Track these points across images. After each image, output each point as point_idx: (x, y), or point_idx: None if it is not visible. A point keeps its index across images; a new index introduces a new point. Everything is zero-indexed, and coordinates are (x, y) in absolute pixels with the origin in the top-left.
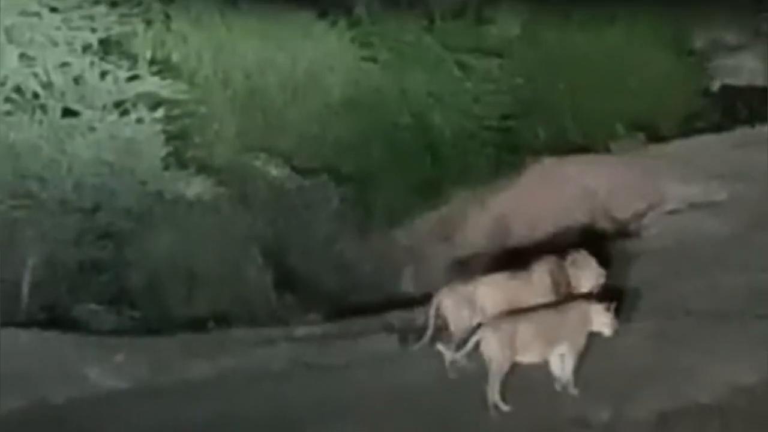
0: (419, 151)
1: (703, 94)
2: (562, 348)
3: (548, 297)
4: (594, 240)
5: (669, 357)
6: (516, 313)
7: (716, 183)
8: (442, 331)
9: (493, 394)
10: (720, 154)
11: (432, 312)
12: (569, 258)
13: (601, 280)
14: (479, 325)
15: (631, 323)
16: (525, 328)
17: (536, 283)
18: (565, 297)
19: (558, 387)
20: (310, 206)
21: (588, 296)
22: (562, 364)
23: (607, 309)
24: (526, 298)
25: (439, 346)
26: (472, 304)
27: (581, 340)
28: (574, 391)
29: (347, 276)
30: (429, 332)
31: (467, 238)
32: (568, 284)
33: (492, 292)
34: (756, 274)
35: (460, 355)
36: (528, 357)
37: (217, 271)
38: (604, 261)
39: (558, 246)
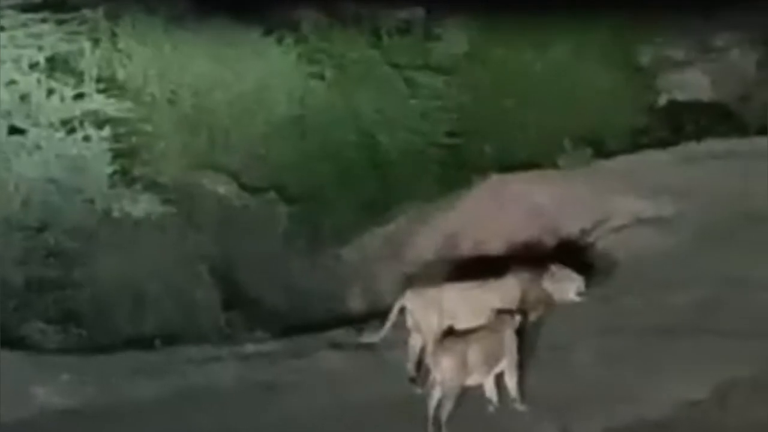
0: (366, 169)
1: (649, 109)
2: (501, 367)
3: (516, 308)
4: (541, 256)
5: (616, 373)
6: (461, 335)
7: (663, 198)
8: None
9: (444, 417)
10: (667, 170)
11: (395, 310)
12: (548, 271)
13: (582, 287)
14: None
15: (579, 339)
16: (473, 350)
17: (505, 293)
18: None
19: (491, 409)
20: (257, 224)
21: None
22: (498, 384)
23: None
24: (491, 308)
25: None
26: (439, 307)
27: (515, 358)
28: (522, 407)
29: (295, 294)
30: (388, 325)
31: (415, 255)
32: (545, 297)
33: (458, 298)
34: (703, 289)
35: (380, 336)
36: (473, 379)
37: (164, 290)
38: (551, 276)
39: (506, 262)
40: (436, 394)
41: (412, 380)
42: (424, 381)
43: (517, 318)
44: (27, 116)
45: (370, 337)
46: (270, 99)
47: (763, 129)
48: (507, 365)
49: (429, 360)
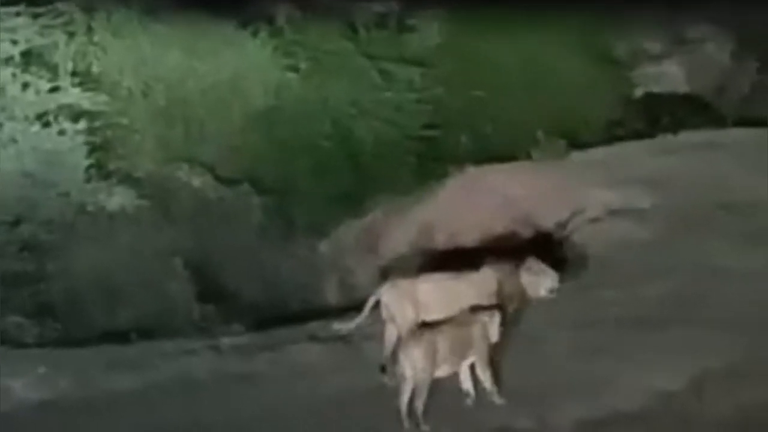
0: (342, 161)
1: (625, 101)
2: (470, 361)
3: (492, 301)
4: (516, 248)
5: (592, 365)
6: (430, 326)
7: (638, 190)
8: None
9: (419, 409)
10: (642, 161)
11: (370, 302)
12: (524, 265)
13: (556, 285)
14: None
15: (554, 331)
16: (442, 341)
17: (481, 286)
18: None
19: (469, 402)
20: (232, 217)
21: (484, 308)
22: (472, 377)
23: (492, 316)
24: (467, 300)
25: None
26: (414, 299)
27: (486, 351)
28: (499, 400)
29: (270, 286)
30: (362, 315)
31: (390, 247)
32: (521, 290)
33: (433, 290)
34: (678, 280)
35: (355, 324)
36: (442, 370)
37: (139, 283)
38: (527, 270)
39: (482, 255)
40: (408, 385)
41: (383, 370)
42: (394, 372)
43: (492, 313)
44: (2, 110)
45: (344, 326)
46: (245, 91)
47: (738, 120)
48: (477, 358)
49: (399, 350)
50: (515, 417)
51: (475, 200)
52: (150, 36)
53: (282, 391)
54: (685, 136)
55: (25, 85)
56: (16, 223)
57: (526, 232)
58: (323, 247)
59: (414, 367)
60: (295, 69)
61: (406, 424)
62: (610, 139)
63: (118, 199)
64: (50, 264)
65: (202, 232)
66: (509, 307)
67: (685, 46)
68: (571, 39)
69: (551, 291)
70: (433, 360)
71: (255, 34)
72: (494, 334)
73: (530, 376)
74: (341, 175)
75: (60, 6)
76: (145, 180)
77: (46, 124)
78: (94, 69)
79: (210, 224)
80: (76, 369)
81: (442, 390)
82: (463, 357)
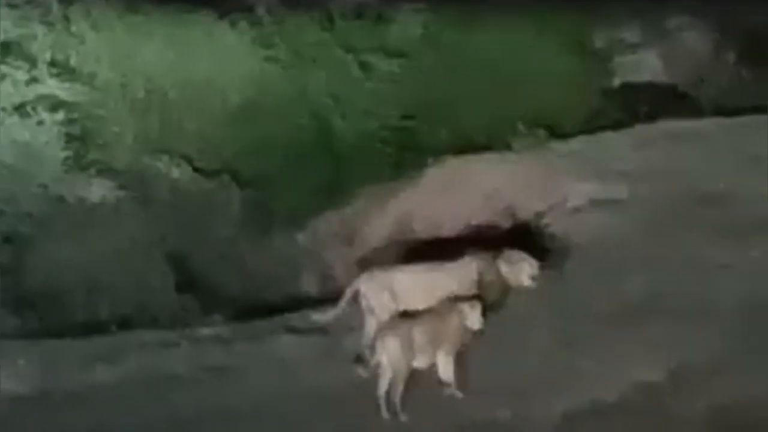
0: (321, 152)
1: (603, 91)
2: (444, 350)
3: (471, 291)
4: (496, 239)
5: (572, 356)
6: (405, 316)
7: (617, 180)
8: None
9: (396, 400)
10: (621, 152)
11: (349, 293)
12: (503, 255)
13: (536, 274)
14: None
15: (534, 323)
16: (418, 332)
17: (460, 276)
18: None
19: (448, 393)
20: (211, 208)
21: (461, 298)
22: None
23: (473, 306)
24: (447, 290)
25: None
26: (392, 290)
27: (459, 341)
28: (458, 394)
29: (249, 278)
30: (341, 304)
31: (369, 238)
32: (501, 280)
33: (412, 281)
34: (657, 272)
35: (334, 315)
36: (420, 361)
37: (118, 274)
38: (507, 260)
39: (462, 245)
40: (386, 376)
41: (357, 360)
42: (369, 363)
43: (472, 303)
44: None
45: (322, 317)
46: (224, 83)
47: (717, 111)
48: (444, 350)
49: (376, 341)
50: (495, 408)
51: (455, 191)
52: (129, 27)
53: (260, 382)
54: (664, 127)
55: (3, 76)
56: None
57: (506, 223)
58: (302, 238)
59: (391, 357)
60: (274, 60)
61: (385, 414)
62: (590, 129)
63: (97, 190)
64: (29, 256)
65: (182, 223)
66: (489, 298)
67: (664, 37)
68: (551, 29)
69: (531, 281)
70: (410, 350)
71: (234, 25)
72: (476, 322)
73: (510, 367)
74: (320, 167)
75: None
76: (123, 171)
77: (24, 115)
78: (73, 60)
79: (189, 216)
80: (56, 361)
81: (421, 381)
82: (439, 347)
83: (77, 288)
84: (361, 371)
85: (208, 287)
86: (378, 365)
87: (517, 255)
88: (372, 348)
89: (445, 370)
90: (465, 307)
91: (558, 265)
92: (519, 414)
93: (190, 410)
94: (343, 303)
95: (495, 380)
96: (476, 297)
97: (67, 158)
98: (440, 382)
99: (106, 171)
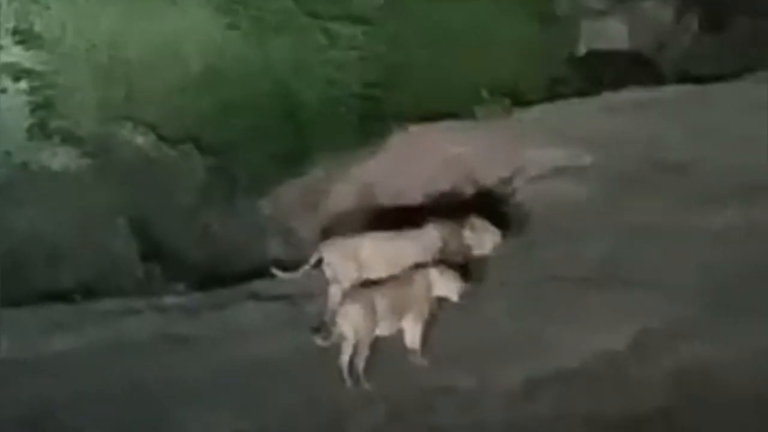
0: (284, 120)
1: (567, 59)
2: (410, 318)
3: (435, 260)
4: (459, 206)
5: (534, 324)
6: (367, 284)
7: (581, 148)
8: None
9: (359, 368)
10: (585, 119)
11: (312, 260)
12: (467, 223)
13: (498, 241)
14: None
15: (496, 290)
16: (380, 299)
17: (424, 244)
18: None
19: (411, 359)
20: (175, 176)
21: (433, 264)
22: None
23: (449, 274)
24: (411, 258)
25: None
26: (356, 258)
27: (426, 309)
28: (422, 361)
29: (213, 246)
30: (305, 267)
31: (333, 206)
32: (464, 248)
33: (376, 248)
34: (620, 239)
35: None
36: (382, 329)
37: (82, 242)
38: (470, 228)
39: (425, 213)
40: (348, 344)
41: (316, 330)
42: (328, 332)
43: (438, 272)
44: None
45: (284, 275)
46: (186, 50)
47: (679, 77)
48: (413, 317)
49: (338, 309)
50: (457, 376)
51: (418, 159)
52: None
53: (224, 350)
54: (627, 94)
55: None
56: None
57: (469, 190)
58: (265, 206)
59: (352, 325)
60: (236, 27)
61: (348, 383)
62: (553, 97)
63: (61, 158)
64: None
65: (145, 191)
66: (452, 264)
67: (626, 3)
68: None
69: (494, 248)
70: (372, 319)
71: None
72: (453, 293)
73: (472, 335)
74: (283, 134)
75: None
76: (87, 139)
77: None
78: (36, 28)
79: (153, 183)
80: (18, 329)
81: (384, 349)
82: (404, 315)
83: (40, 256)
84: (320, 341)
85: (172, 255)
86: (342, 334)
87: (480, 222)
88: (334, 316)
89: (412, 337)
90: (433, 274)
91: (521, 232)
92: (481, 381)
93: (153, 378)
94: (306, 266)
95: (458, 348)
96: (448, 265)
97: (31, 126)
98: (405, 350)
99: (69, 139)
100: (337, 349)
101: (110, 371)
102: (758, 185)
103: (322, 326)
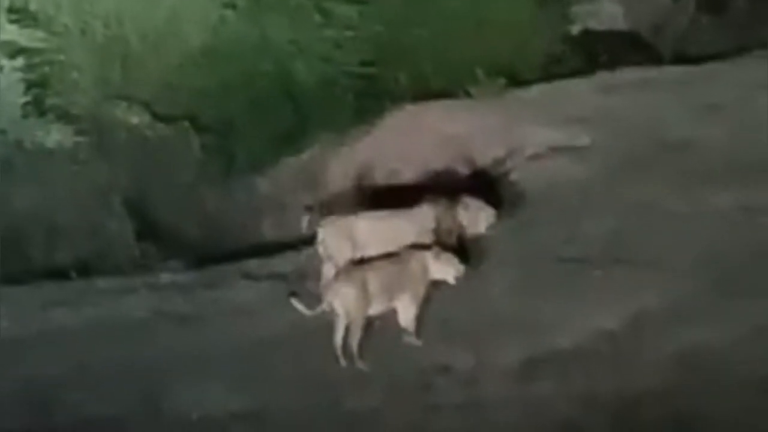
0: (280, 99)
1: (563, 38)
2: (404, 298)
3: (430, 238)
4: (455, 186)
5: (532, 303)
6: (361, 263)
7: (577, 128)
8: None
9: (353, 347)
10: (581, 99)
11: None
12: (461, 202)
13: (492, 220)
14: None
15: (494, 270)
16: (373, 279)
17: (419, 223)
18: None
19: (406, 338)
20: (171, 155)
21: (429, 246)
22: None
23: (445, 256)
24: (406, 238)
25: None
26: (351, 237)
27: (421, 290)
28: (416, 341)
29: (209, 224)
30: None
31: (329, 185)
32: (458, 227)
33: (371, 227)
34: (618, 219)
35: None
36: (374, 308)
37: (77, 220)
38: (464, 207)
39: (420, 192)
40: (341, 322)
41: (292, 294)
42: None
43: (430, 253)
44: None
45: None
46: (183, 29)
47: (675, 58)
48: (408, 298)
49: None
50: (455, 356)
51: (414, 138)
52: None
53: (219, 328)
54: (623, 74)
55: None
56: None
57: (465, 170)
58: (261, 184)
59: (344, 304)
60: (232, 6)
61: (342, 361)
62: (549, 76)
63: (56, 136)
64: None
65: (141, 169)
66: (447, 245)
67: None
68: None
69: (489, 228)
70: (365, 298)
71: None
72: (450, 275)
73: (469, 314)
74: (279, 113)
75: None
76: (82, 117)
77: None
78: (32, 6)
79: (148, 162)
80: (15, 307)
81: (383, 328)
82: (397, 295)
83: (37, 234)
84: (300, 307)
85: (168, 233)
86: (335, 312)
87: (475, 202)
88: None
89: (406, 317)
90: (429, 257)
91: (517, 211)
92: (479, 361)
93: (149, 356)
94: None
95: (455, 327)
96: (445, 248)
97: (26, 104)
98: (400, 330)
99: (64, 117)
100: (330, 329)
101: (107, 348)
102: (757, 165)
103: (298, 293)
